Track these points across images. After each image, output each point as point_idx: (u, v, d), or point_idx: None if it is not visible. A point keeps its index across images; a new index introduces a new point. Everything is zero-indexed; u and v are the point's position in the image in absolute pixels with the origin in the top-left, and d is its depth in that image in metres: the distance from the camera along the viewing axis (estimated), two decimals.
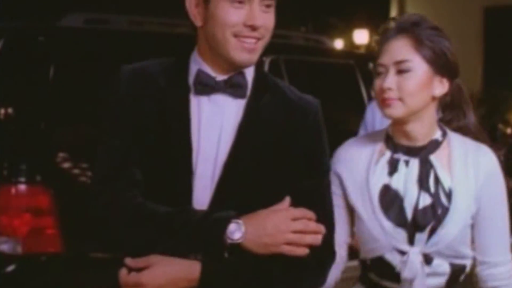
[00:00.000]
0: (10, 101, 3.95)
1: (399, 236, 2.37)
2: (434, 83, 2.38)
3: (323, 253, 2.20)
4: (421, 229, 2.36)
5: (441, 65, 2.38)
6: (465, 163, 2.41)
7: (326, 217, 2.23)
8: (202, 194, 2.18)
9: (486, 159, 2.42)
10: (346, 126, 5.10)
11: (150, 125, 2.19)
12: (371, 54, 3.14)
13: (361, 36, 19.12)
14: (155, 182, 2.18)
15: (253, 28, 2.16)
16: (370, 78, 4.79)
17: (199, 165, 2.19)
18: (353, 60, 5.77)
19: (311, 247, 2.14)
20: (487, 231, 2.41)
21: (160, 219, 2.13)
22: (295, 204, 2.18)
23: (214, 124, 2.21)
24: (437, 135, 2.44)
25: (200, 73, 2.22)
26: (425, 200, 2.38)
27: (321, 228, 2.16)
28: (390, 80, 2.35)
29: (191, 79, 2.23)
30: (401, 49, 2.37)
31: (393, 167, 2.42)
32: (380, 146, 2.47)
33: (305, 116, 2.27)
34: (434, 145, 2.42)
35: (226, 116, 2.21)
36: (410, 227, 2.37)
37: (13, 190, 3.76)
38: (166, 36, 4.63)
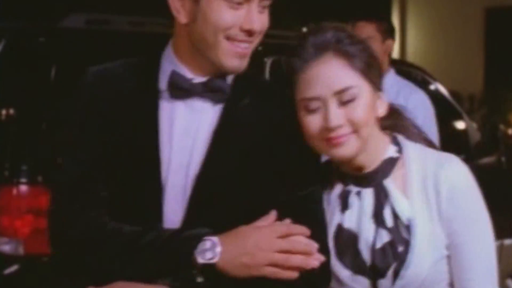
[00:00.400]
0: (11, 102, 3.94)
1: (360, 286, 1.98)
2: (377, 101, 2.00)
3: (316, 275, 1.89)
4: (382, 273, 1.95)
5: (375, 77, 2.00)
6: (424, 181, 1.97)
7: (319, 234, 1.93)
8: (174, 210, 1.94)
9: (449, 172, 1.96)
10: None
11: (117, 134, 1.95)
12: None
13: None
14: (122, 198, 1.94)
15: (250, 33, 1.94)
16: None
17: (171, 177, 1.94)
18: None
19: (301, 270, 1.84)
20: (464, 261, 1.96)
21: (123, 240, 1.89)
22: (282, 219, 1.90)
23: (189, 132, 1.96)
24: (391, 151, 2.03)
25: (174, 75, 1.98)
26: (383, 237, 1.96)
27: (313, 247, 1.86)
28: (336, 115, 1.93)
29: (164, 81, 1.99)
30: (337, 74, 1.94)
31: (344, 203, 2.02)
32: (329, 180, 2.07)
33: (295, 119, 2.00)
34: (389, 165, 2.01)
35: (202, 123, 1.97)
36: (371, 272, 1.96)
37: (14, 191, 3.75)
38: (168, 37, 4.62)
